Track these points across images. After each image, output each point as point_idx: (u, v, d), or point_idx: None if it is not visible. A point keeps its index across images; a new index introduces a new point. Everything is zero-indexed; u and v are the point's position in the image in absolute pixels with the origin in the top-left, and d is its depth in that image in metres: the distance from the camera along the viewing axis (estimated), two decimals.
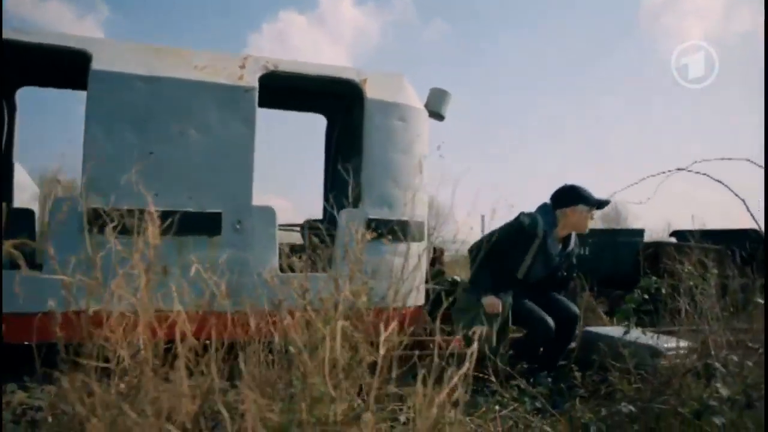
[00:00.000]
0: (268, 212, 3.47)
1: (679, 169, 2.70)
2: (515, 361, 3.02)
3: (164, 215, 3.49)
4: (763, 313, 3.07)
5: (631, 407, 2.16)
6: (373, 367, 1.21)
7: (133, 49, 3.37)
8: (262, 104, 4.78)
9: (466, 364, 0.97)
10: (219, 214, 3.33)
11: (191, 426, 0.93)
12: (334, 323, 0.97)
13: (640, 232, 9.27)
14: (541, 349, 3.29)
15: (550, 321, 3.18)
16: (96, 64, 3.18)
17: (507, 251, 3.22)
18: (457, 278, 4.73)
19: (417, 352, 1.37)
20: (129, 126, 3.20)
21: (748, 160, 2.63)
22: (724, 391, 2.30)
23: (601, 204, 3.26)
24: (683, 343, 2.99)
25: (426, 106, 4.12)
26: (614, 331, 3.35)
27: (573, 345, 3.53)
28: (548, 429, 2.11)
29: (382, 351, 0.97)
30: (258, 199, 3.49)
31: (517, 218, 3.30)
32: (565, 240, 3.35)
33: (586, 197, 3.23)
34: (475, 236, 3.48)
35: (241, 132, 3.40)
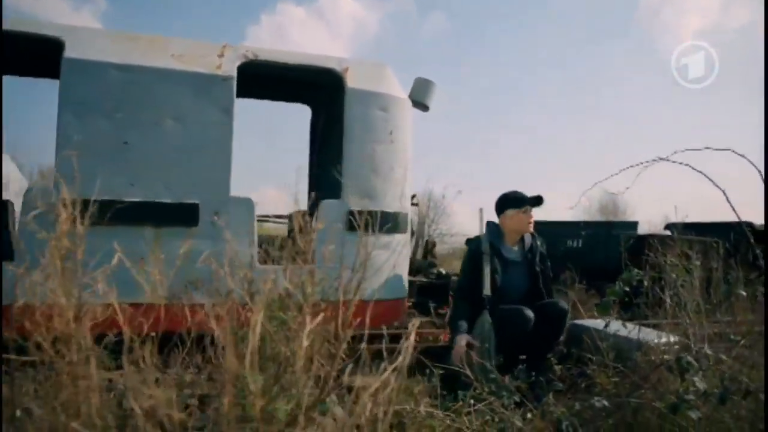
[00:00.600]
0: (247, 204, 3.42)
1: (660, 159, 2.65)
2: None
3: (141, 206, 3.44)
4: (741, 304, 3.03)
5: (605, 401, 2.12)
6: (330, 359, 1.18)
7: (107, 37, 3.31)
8: (245, 94, 4.72)
9: (402, 357, 0.93)
10: (196, 205, 3.28)
11: (101, 423, 0.88)
12: (256, 317, 0.93)
13: (633, 225, 9.26)
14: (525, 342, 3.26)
15: (529, 312, 3.15)
16: (69, 52, 3.12)
17: (474, 279, 3.29)
18: (443, 270, 4.70)
19: (364, 345, 1.32)
20: (103, 115, 3.14)
21: (731, 150, 2.60)
22: (701, 385, 2.26)
23: (533, 201, 3.39)
24: (665, 337, 2.96)
25: (410, 96, 4.06)
26: (599, 324, 3.32)
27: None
28: (518, 423, 2.07)
29: (305, 342, 0.92)
30: (254, 191, 3.46)
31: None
32: (522, 243, 3.46)
33: (512, 200, 3.40)
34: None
35: (219, 122, 3.34)
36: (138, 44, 3.32)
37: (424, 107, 4.15)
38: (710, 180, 2.53)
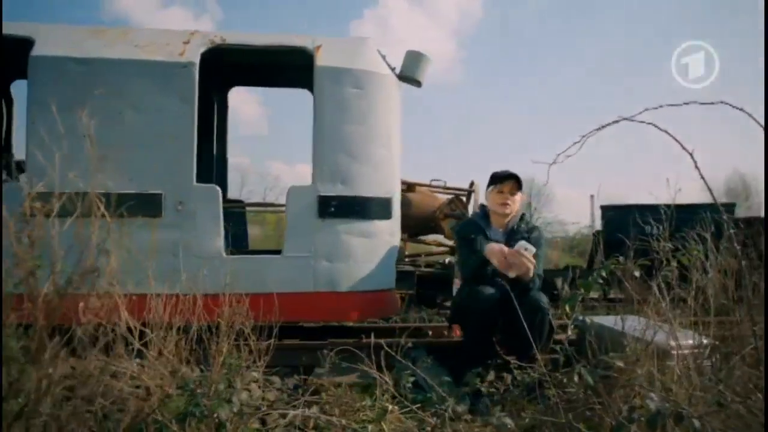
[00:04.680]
0: (212, 192, 3.33)
1: (623, 118, 2.19)
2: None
3: (104, 197, 3.48)
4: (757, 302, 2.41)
5: (509, 420, 1.72)
6: None
7: (75, 32, 3.37)
8: (243, 83, 4.67)
9: None
10: (160, 195, 3.25)
11: None
12: None
13: (730, 207, 7.99)
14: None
15: (488, 290, 2.77)
16: (36, 50, 3.21)
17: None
18: (449, 259, 4.31)
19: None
20: (66, 109, 3.20)
21: (723, 102, 2.09)
22: (653, 405, 1.79)
23: (500, 178, 3.03)
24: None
25: (401, 71, 3.74)
26: (607, 320, 2.92)
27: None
28: None
29: None
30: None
31: None
32: (511, 225, 3.12)
33: (491, 177, 3.09)
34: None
35: (180, 109, 3.28)
36: (103, 37, 3.35)
37: (417, 83, 3.81)
38: (677, 141, 2.01)
